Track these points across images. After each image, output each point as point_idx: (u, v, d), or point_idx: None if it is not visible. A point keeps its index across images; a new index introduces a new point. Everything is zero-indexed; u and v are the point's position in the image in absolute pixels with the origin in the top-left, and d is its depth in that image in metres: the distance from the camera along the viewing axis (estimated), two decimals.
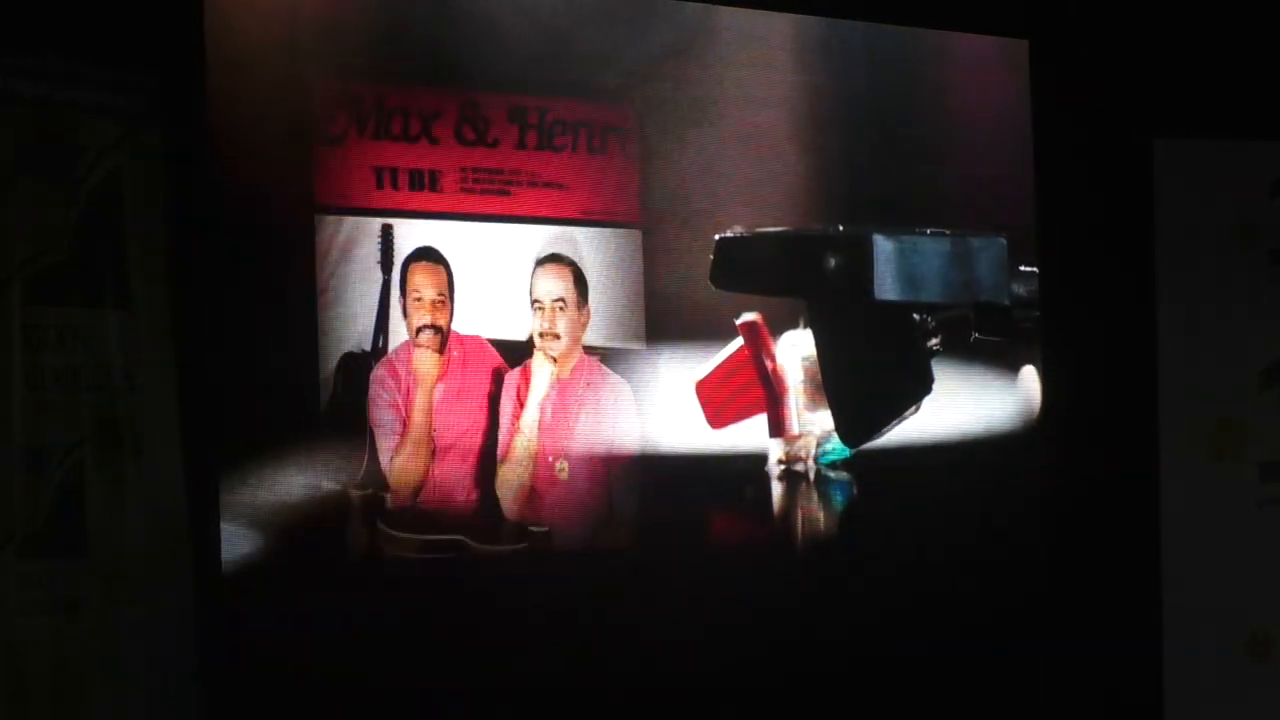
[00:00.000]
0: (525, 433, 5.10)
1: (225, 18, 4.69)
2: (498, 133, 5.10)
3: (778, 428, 5.46)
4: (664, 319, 5.31)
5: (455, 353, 5.04)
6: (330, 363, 4.85)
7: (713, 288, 5.36)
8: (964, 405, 5.70)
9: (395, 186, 4.97)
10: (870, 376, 5.58)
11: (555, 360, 5.14)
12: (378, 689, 4.80)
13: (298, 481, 4.75)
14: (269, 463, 4.72)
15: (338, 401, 4.86)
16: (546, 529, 5.12)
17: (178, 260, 4.50)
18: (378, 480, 4.89)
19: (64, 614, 4.18)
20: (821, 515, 5.55)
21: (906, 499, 5.59)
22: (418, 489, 4.96)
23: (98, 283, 4.33)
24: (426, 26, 5.01)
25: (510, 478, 5.09)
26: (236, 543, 4.62)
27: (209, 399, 4.59)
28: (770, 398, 5.43)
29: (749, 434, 5.41)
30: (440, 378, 5.01)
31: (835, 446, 5.51)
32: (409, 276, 4.96)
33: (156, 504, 4.37)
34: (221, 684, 4.52)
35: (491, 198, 5.10)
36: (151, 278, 4.44)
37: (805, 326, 5.49)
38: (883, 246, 5.49)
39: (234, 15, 4.71)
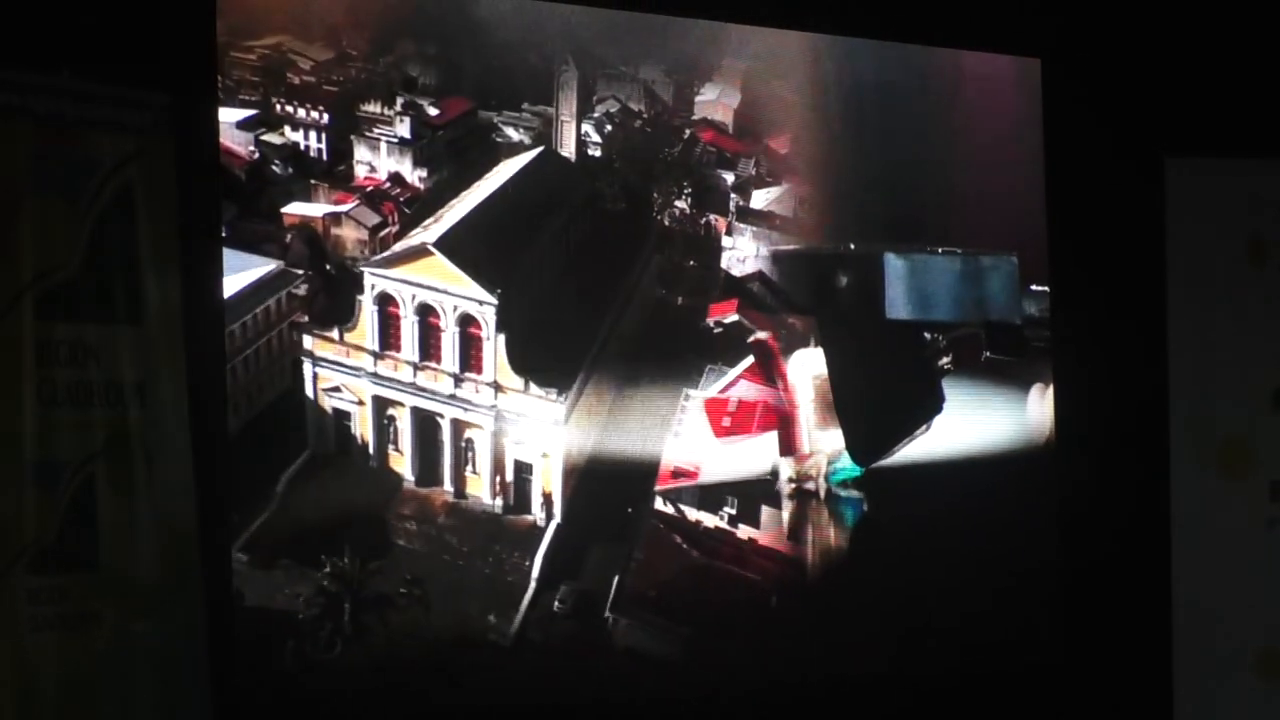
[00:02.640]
0: None
1: (236, 36, 4.71)
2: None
3: (788, 446, 5.46)
4: (674, 335, 5.32)
5: None
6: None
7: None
8: (975, 424, 5.70)
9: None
10: (881, 395, 5.59)
11: None
12: (391, 703, 4.80)
13: (309, 495, 4.75)
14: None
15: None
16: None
17: (189, 275, 4.50)
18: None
19: (75, 628, 4.17)
20: (832, 533, 5.55)
21: (917, 517, 5.59)
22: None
23: (109, 298, 4.32)
24: (436, 44, 5.03)
25: None
26: (247, 556, 4.63)
27: (220, 414, 4.60)
28: (781, 416, 5.43)
29: (760, 452, 5.41)
30: None
31: (846, 465, 5.51)
32: None
33: (168, 519, 4.36)
34: (233, 697, 4.51)
35: None
36: (163, 293, 4.42)
37: (816, 345, 5.49)
38: (894, 265, 5.50)
39: (245, 33, 4.73)
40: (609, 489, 5.15)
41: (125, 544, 4.28)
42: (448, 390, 4.97)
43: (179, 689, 4.37)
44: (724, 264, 5.40)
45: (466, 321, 4.97)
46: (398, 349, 4.93)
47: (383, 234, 4.92)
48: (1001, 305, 5.72)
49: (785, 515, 5.46)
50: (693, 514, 5.31)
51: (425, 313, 4.94)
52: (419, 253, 4.92)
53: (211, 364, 4.58)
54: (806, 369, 5.48)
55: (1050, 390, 5.79)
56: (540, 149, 5.15)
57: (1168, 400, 5.66)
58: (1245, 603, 5.63)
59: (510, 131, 5.12)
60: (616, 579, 5.17)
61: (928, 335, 5.62)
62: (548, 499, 5.05)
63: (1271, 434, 5.71)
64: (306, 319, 4.78)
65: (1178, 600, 5.59)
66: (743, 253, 5.41)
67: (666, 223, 5.35)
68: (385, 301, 4.90)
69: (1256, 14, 5.77)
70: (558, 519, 5.06)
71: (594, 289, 5.23)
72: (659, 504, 5.26)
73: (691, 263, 5.38)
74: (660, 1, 5.29)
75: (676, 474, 5.27)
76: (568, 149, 5.20)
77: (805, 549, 5.51)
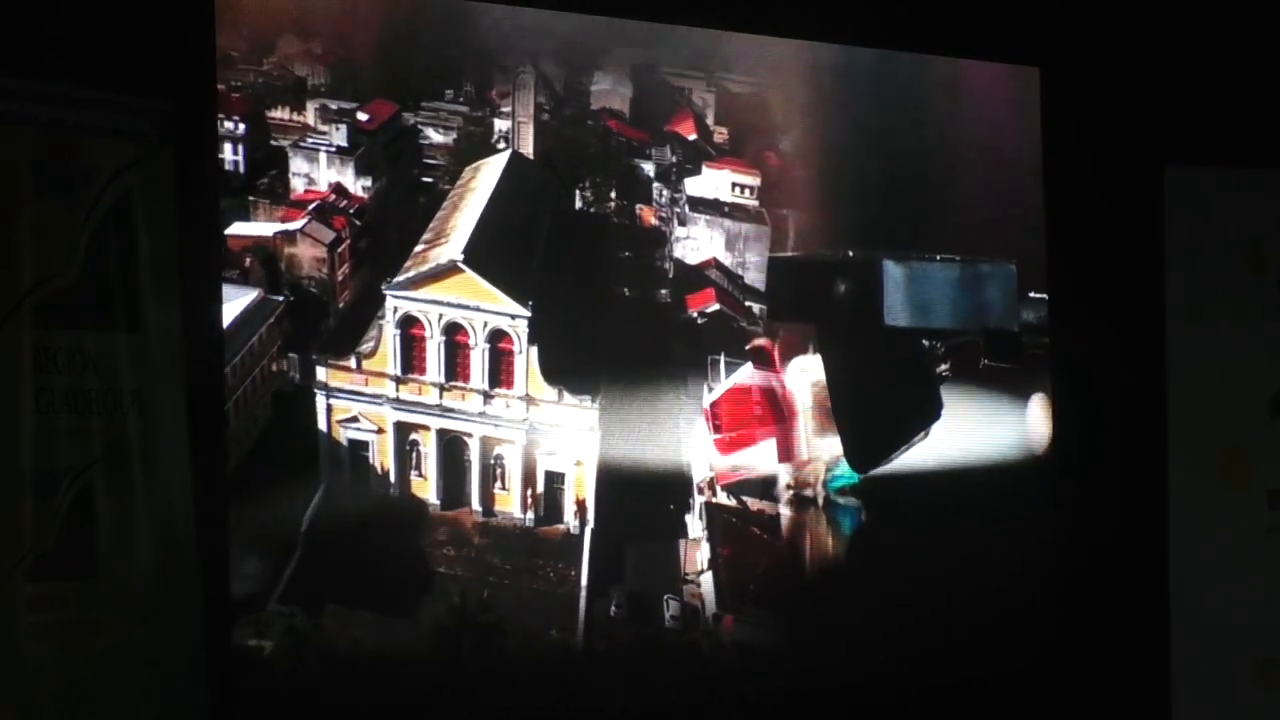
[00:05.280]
0: None
1: (236, 42, 4.70)
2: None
3: (787, 453, 5.45)
4: (664, 330, 5.31)
5: None
6: None
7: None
8: (973, 431, 5.70)
9: None
10: (879, 402, 5.58)
11: None
12: (392, 711, 4.80)
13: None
14: (279, 483, 4.72)
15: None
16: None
17: (187, 282, 4.49)
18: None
19: (73, 635, 4.17)
20: (830, 541, 5.54)
21: (915, 525, 5.58)
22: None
23: (108, 305, 4.32)
24: (437, 55, 5.01)
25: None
26: (246, 564, 4.62)
27: (218, 420, 4.59)
28: (779, 423, 5.43)
29: (758, 459, 5.41)
30: None
31: (844, 472, 5.50)
32: None
33: (166, 526, 4.36)
34: (232, 706, 4.51)
35: None
36: (161, 300, 4.43)
37: (815, 352, 5.49)
38: (892, 272, 5.50)
39: (245, 40, 4.72)
40: (641, 489, 5.15)
41: (124, 551, 4.28)
42: (476, 409, 4.95)
43: (178, 696, 4.37)
44: (679, 254, 5.36)
45: (497, 337, 4.95)
46: (422, 371, 4.90)
47: (340, 249, 4.84)
48: (1000, 312, 5.71)
49: (783, 522, 5.45)
50: (755, 504, 5.33)
51: (452, 332, 4.91)
52: (448, 270, 4.90)
53: (210, 370, 4.57)
54: (805, 375, 5.47)
55: (1048, 398, 5.78)
56: (509, 151, 5.11)
57: (1166, 408, 5.66)
58: (1245, 612, 5.63)
59: (431, 132, 5.04)
60: (711, 577, 5.19)
61: (926, 342, 5.61)
62: (581, 506, 5.05)
63: (1270, 442, 5.71)
64: (278, 348, 4.72)
65: (1176, 610, 5.60)
66: (697, 241, 5.38)
67: (606, 216, 5.29)
68: (408, 324, 4.87)
69: (1257, 23, 5.78)
70: (592, 524, 5.06)
71: (589, 290, 5.21)
72: (722, 498, 5.27)
73: (636, 255, 5.33)
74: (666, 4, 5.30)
75: (736, 468, 5.28)
76: (526, 150, 5.16)
77: (803, 555, 5.51)
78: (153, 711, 4.30)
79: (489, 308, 4.94)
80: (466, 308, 4.93)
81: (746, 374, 5.39)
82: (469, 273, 4.90)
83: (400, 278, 4.87)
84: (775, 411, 5.42)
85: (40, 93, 4.20)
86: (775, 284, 5.45)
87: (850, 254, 5.53)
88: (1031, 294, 5.76)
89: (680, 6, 5.30)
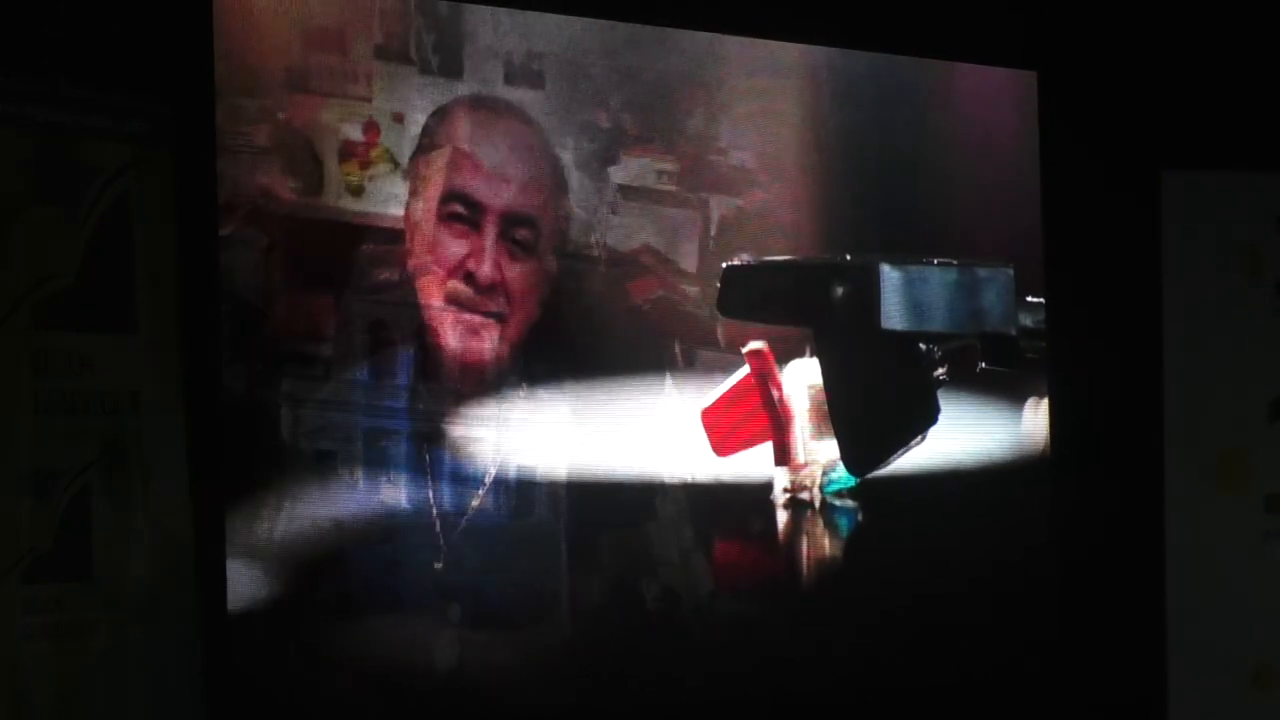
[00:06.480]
0: None
1: (236, 43, 4.69)
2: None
3: (783, 456, 5.44)
4: (669, 346, 5.31)
5: None
6: None
7: (719, 315, 5.36)
8: (970, 435, 5.69)
9: None
10: (876, 406, 5.58)
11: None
12: (388, 715, 4.80)
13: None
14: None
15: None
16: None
17: (185, 284, 4.49)
18: None
19: (69, 637, 4.17)
20: (827, 544, 5.54)
21: (912, 528, 5.58)
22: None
23: (106, 307, 4.33)
24: (438, 54, 5.00)
25: None
26: (243, 567, 4.62)
27: (216, 423, 4.59)
28: (776, 426, 5.42)
29: (754, 462, 5.40)
30: None
31: (841, 475, 5.50)
32: None
33: (163, 528, 4.36)
34: (228, 709, 4.51)
35: None
36: (159, 302, 4.43)
37: (812, 355, 5.48)
38: (889, 276, 5.49)
39: (244, 40, 4.71)
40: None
41: (120, 553, 4.29)
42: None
43: (173, 698, 4.37)
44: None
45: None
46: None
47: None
48: (997, 317, 5.71)
49: (780, 525, 5.45)
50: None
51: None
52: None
53: (208, 374, 4.56)
54: (802, 379, 5.47)
55: (1045, 402, 5.78)
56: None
57: (1163, 412, 5.67)
58: (1241, 617, 5.64)
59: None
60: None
61: (923, 346, 5.60)
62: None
63: (1268, 447, 5.72)
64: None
65: (1173, 614, 5.60)
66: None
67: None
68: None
69: (1254, 28, 5.79)
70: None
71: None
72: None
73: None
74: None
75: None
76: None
77: (799, 558, 5.51)
78: (148, 710, 4.30)
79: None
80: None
81: (743, 377, 5.38)
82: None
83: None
84: (772, 415, 5.41)
85: (38, 94, 4.20)
86: (773, 288, 5.44)
87: (847, 257, 5.53)
88: (1029, 298, 5.75)
89: (682, 8, 5.31)
